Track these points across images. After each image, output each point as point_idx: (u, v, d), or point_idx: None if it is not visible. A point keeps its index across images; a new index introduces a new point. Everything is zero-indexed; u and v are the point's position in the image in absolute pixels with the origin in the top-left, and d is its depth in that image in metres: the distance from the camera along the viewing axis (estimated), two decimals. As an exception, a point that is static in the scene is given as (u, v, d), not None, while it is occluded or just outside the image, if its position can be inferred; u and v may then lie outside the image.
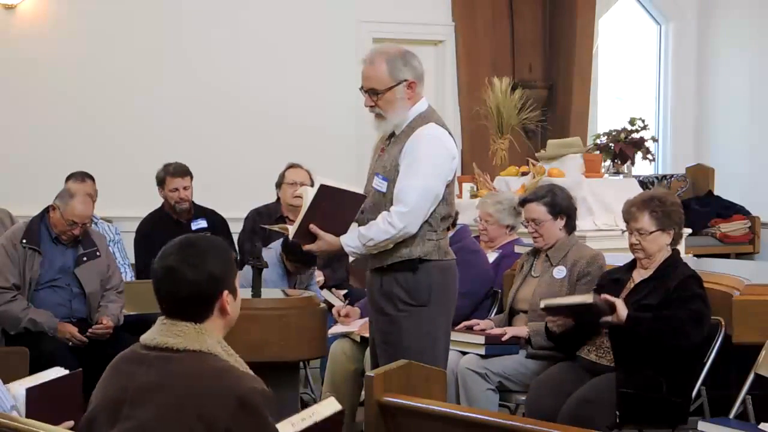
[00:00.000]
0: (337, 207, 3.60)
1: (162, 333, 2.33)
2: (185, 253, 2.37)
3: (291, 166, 5.87)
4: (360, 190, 3.71)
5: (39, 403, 2.94)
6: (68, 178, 5.79)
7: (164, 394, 2.23)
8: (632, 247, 4.10)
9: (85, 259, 4.92)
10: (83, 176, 5.84)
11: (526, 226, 4.75)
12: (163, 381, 2.25)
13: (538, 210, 4.49)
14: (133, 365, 2.32)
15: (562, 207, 4.50)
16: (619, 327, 3.88)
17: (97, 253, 4.96)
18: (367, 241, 3.58)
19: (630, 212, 4.10)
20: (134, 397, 2.26)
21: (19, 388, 3.00)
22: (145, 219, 6.11)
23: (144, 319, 5.37)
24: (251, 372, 2.32)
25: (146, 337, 2.36)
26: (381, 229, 3.55)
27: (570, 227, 4.53)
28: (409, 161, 3.57)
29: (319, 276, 5.54)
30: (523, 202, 4.63)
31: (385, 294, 3.67)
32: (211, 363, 2.28)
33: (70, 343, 4.75)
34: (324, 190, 3.59)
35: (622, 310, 3.87)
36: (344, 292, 5.42)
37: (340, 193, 3.62)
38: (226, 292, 2.37)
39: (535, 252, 4.60)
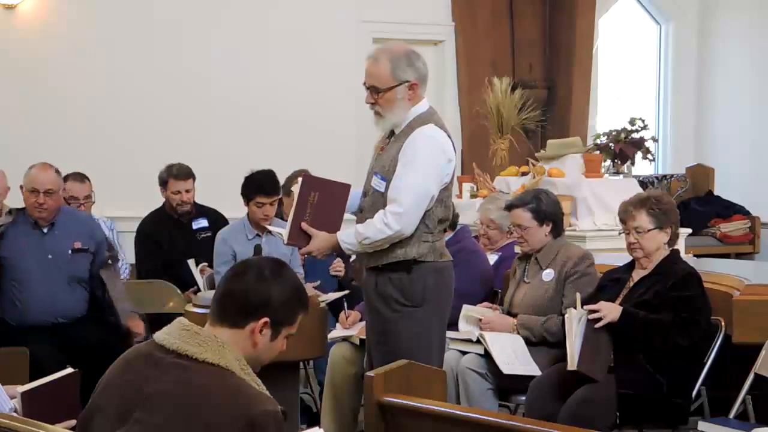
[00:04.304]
0: (325, 200, 3.61)
1: (183, 339, 2.31)
2: (269, 265, 2.41)
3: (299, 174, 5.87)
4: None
5: (35, 405, 2.94)
6: (65, 179, 5.79)
7: (177, 404, 2.22)
8: (630, 247, 4.13)
9: (79, 245, 4.88)
10: (81, 177, 5.84)
11: (512, 231, 4.78)
12: (178, 391, 2.23)
13: (523, 216, 4.52)
14: (148, 366, 2.30)
15: (548, 213, 4.52)
16: (617, 325, 3.90)
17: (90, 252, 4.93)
18: (363, 239, 3.58)
19: (627, 211, 4.13)
20: (147, 402, 2.24)
21: (14, 392, 3.00)
22: (146, 218, 6.11)
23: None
24: (266, 392, 2.31)
25: (164, 340, 2.32)
26: (377, 228, 3.56)
27: (556, 232, 4.55)
28: (405, 161, 3.58)
29: (340, 270, 5.62)
30: (509, 208, 4.66)
31: (380, 294, 3.68)
32: (228, 380, 2.26)
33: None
34: (307, 180, 3.61)
35: (614, 311, 3.90)
36: (346, 292, 5.41)
37: (325, 184, 3.64)
38: (265, 321, 2.35)
39: (527, 257, 4.61)
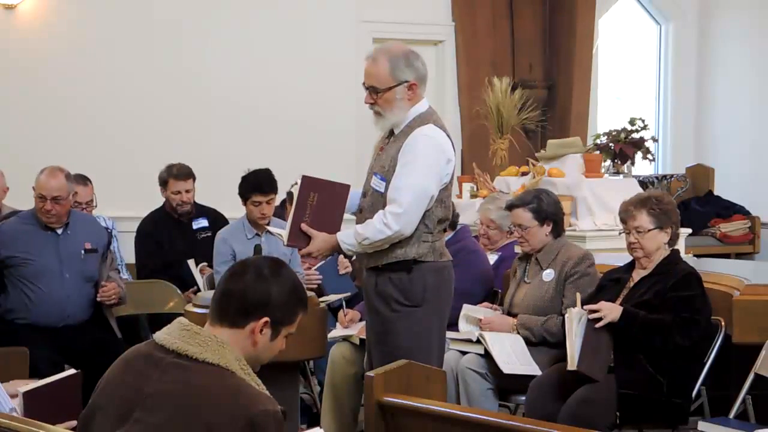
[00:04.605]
0: (324, 201, 3.61)
1: (183, 339, 2.31)
2: (268, 265, 2.41)
3: None
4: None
5: (36, 405, 2.94)
6: None
7: (177, 403, 2.22)
8: (630, 246, 4.13)
9: (89, 246, 4.91)
10: (84, 180, 5.81)
11: (512, 231, 4.78)
12: (178, 390, 2.23)
13: (524, 216, 4.53)
14: (148, 366, 2.30)
15: (548, 213, 4.53)
16: (617, 325, 3.90)
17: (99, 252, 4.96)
18: (363, 239, 3.58)
19: (628, 211, 4.13)
20: (147, 402, 2.24)
21: (14, 389, 3.00)
22: (146, 218, 6.11)
23: (134, 319, 5.39)
24: (266, 392, 2.31)
25: (164, 340, 2.32)
26: (377, 228, 3.56)
27: (557, 232, 4.56)
28: (404, 161, 3.58)
29: (348, 267, 5.61)
30: (510, 207, 4.66)
31: (380, 294, 3.68)
32: (228, 380, 2.26)
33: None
34: (306, 181, 3.61)
35: (615, 311, 3.89)
36: (347, 294, 5.41)
37: (324, 184, 3.63)
38: (265, 320, 2.36)
39: (527, 257, 4.61)
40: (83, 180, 5.78)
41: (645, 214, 4.08)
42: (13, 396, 3.01)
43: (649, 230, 4.07)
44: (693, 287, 3.96)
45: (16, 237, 4.81)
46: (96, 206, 5.86)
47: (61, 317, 4.78)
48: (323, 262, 5.57)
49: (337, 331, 4.81)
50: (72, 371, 3.18)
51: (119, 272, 5.20)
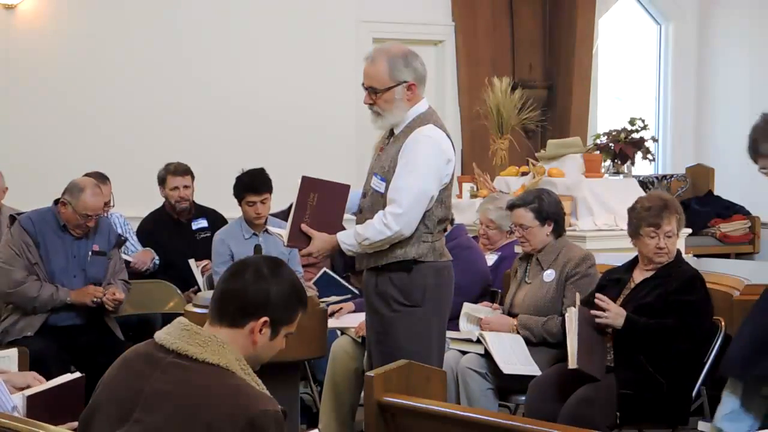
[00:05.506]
0: (324, 201, 3.61)
1: (183, 338, 2.30)
2: (267, 264, 2.41)
3: None
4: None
5: (40, 409, 2.94)
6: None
7: (176, 403, 2.21)
8: (659, 251, 4.04)
9: (97, 248, 4.90)
10: (103, 179, 5.65)
11: (512, 231, 4.78)
12: (178, 390, 2.23)
13: (526, 216, 4.52)
14: (148, 366, 2.29)
15: (549, 213, 4.52)
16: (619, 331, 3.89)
17: (108, 257, 4.96)
18: (363, 240, 3.59)
19: (662, 216, 4.04)
20: (147, 402, 2.24)
21: (18, 395, 2.99)
22: (146, 218, 6.12)
23: (144, 319, 5.39)
24: (266, 392, 2.31)
25: (164, 340, 2.32)
26: (377, 229, 3.56)
27: (557, 232, 4.55)
28: (404, 161, 3.58)
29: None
30: (511, 207, 4.66)
31: (380, 294, 3.69)
32: (228, 380, 2.26)
33: (94, 304, 4.74)
34: (306, 181, 3.61)
35: (618, 319, 3.87)
36: (347, 296, 5.41)
37: (324, 185, 3.64)
38: (265, 320, 2.36)
39: (528, 257, 4.61)
40: (102, 178, 5.64)
41: (675, 219, 4.06)
42: (20, 388, 3.02)
43: (675, 235, 4.06)
44: (697, 291, 3.94)
45: (41, 230, 4.80)
46: (113, 206, 5.82)
47: (68, 316, 4.80)
48: (320, 273, 5.58)
49: (332, 323, 4.80)
50: (77, 374, 3.18)
51: (128, 284, 5.12)
